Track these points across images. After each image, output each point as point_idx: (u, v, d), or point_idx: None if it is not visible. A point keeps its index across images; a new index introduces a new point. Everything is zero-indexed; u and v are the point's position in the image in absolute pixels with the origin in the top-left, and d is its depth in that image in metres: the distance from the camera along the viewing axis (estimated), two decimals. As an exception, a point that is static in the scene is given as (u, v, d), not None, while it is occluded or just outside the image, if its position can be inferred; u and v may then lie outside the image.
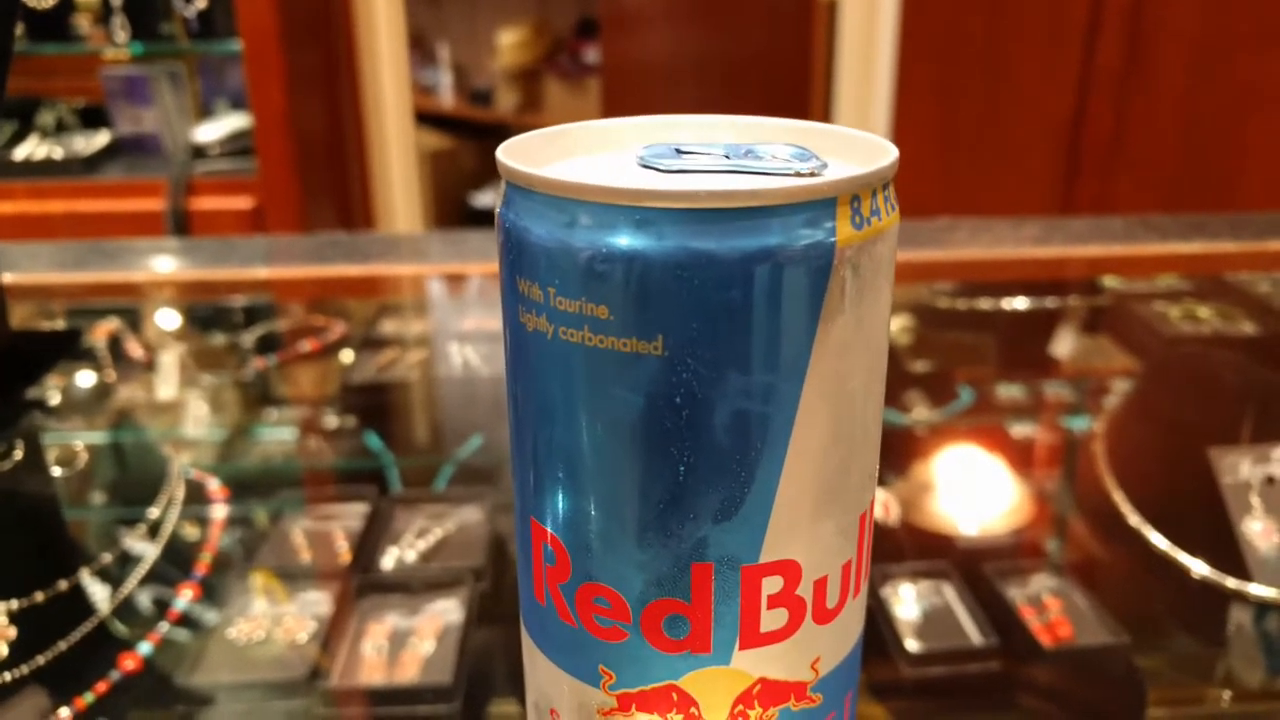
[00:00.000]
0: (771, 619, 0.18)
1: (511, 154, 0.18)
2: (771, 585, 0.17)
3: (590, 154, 0.20)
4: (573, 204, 0.16)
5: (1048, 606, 0.46)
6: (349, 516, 0.54)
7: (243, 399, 0.68)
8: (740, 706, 0.18)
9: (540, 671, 0.20)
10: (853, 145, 0.19)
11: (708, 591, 0.17)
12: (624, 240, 0.15)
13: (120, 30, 1.52)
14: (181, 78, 1.64)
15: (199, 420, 0.65)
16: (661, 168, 0.18)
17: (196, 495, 0.54)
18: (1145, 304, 0.74)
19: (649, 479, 0.17)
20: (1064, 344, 0.71)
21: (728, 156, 0.18)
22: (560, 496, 0.18)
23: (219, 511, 0.53)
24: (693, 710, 0.18)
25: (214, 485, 0.54)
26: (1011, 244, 0.72)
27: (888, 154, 0.18)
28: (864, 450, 0.18)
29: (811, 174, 0.18)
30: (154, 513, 0.51)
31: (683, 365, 0.16)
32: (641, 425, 0.16)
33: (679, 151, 0.19)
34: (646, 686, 0.18)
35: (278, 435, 0.66)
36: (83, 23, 1.56)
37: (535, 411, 0.18)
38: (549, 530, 0.18)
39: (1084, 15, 1.66)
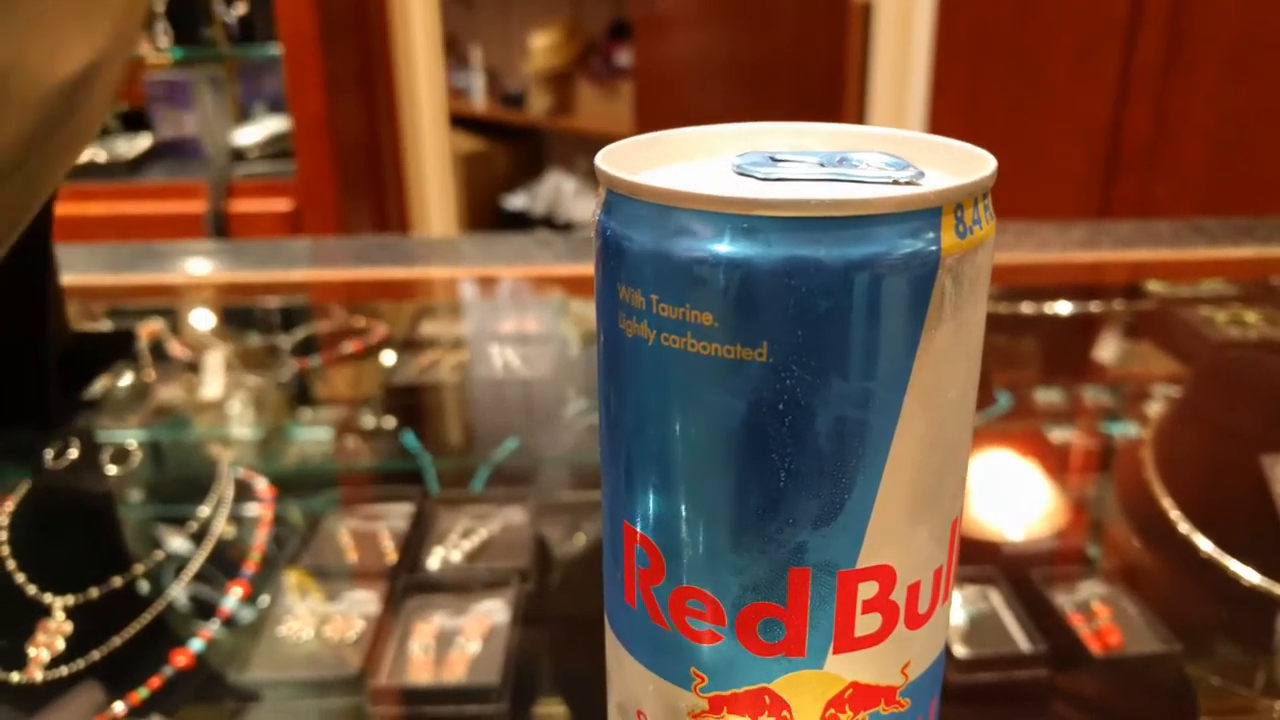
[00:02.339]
0: (866, 624, 0.18)
1: (610, 161, 0.18)
2: (867, 590, 0.17)
3: (686, 160, 0.20)
4: (679, 211, 0.16)
5: (1096, 613, 0.46)
6: (394, 517, 0.54)
7: (286, 399, 0.69)
8: (831, 710, 0.18)
9: (627, 673, 0.20)
10: (946, 154, 0.19)
11: (804, 596, 0.17)
12: (730, 248, 0.16)
13: (163, 35, 1.54)
14: (222, 82, 1.67)
15: (245, 420, 0.66)
16: (759, 175, 0.18)
17: (245, 494, 0.54)
18: (1191, 308, 0.73)
19: (749, 484, 0.17)
20: (1108, 348, 0.70)
21: (823, 164, 0.18)
22: (656, 500, 0.18)
23: (267, 510, 0.53)
24: (784, 713, 0.18)
25: (262, 485, 0.55)
26: (1058, 248, 0.71)
27: (985, 163, 0.18)
28: (959, 457, 0.18)
29: (910, 183, 0.18)
30: (204, 511, 0.52)
31: (787, 372, 0.16)
32: (743, 431, 0.16)
33: (774, 159, 0.19)
34: (739, 689, 0.18)
35: (322, 435, 0.67)
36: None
37: (632, 416, 0.18)
38: (643, 533, 0.18)
39: (1123, 16, 1.65)
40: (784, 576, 0.17)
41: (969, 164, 0.19)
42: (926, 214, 0.16)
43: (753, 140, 0.20)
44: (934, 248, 0.16)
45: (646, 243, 0.16)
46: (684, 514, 0.17)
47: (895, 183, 0.18)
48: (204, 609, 0.47)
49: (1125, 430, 0.63)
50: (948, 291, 0.16)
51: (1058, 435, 0.62)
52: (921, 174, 0.18)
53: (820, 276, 0.15)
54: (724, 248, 0.16)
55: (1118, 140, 1.71)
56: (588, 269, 0.80)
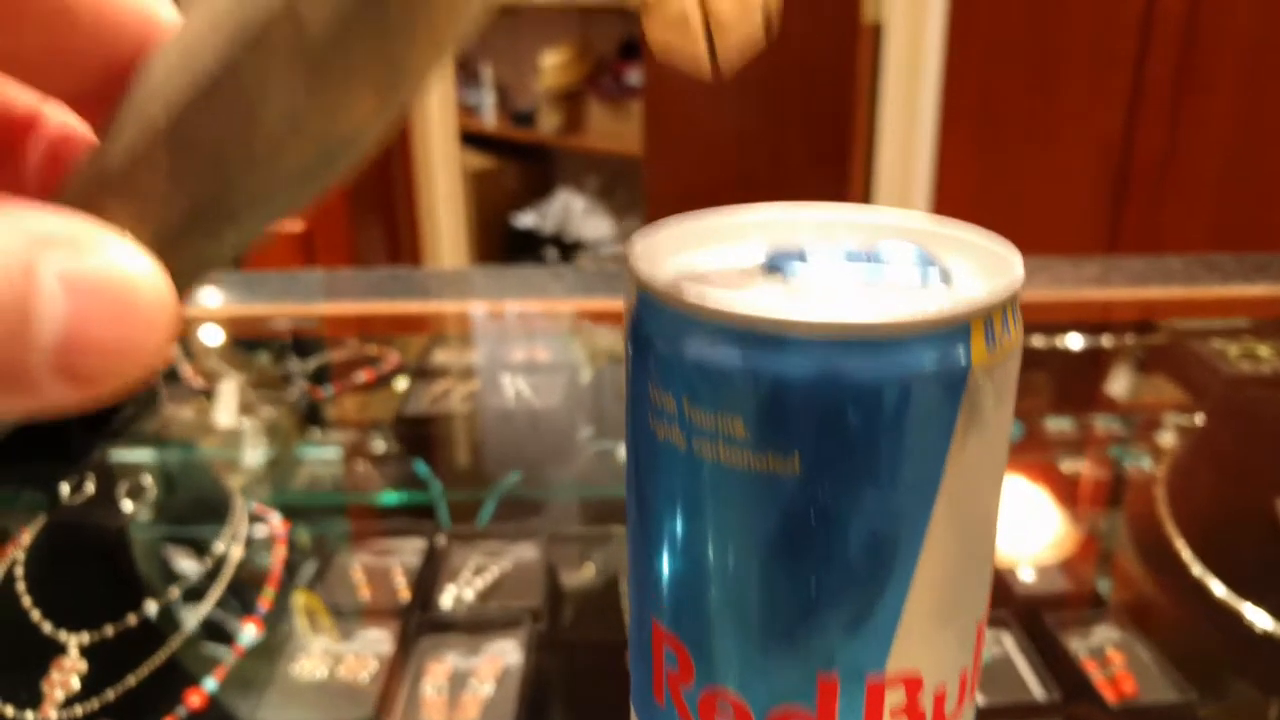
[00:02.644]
0: None
1: (641, 255, 0.19)
2: (894, 695, 0.17)
3: (716, 246, 0.20)
4: (713, 322, 0.16)
5: (1111, 660, 0.46)
6: (407, 552, 0.55)
7: (299, 427, 0.69)
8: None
9: None
10: (972, 248, 0.20)
11: (833, 700, 0.17)
12: (764, 361, 0.16)
13: None
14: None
15: (258, 449, 0.67)
16: (790, 276, 0.18)
17: (260, 529, 0.55)
18: (1203, 341, 0.73)
19: (779, 591, 0.17)
20: (1119, 382, 0.70)
21: (851, 260, 0.19)
22: (685, 602, 0.18)
23: (281, 546, 0.54)
24: None
25: (276, 520, 0.55)
26: (1072, 284, 0.72)
27: (1012, 266, 0.18)
28: (986, 560, 0.18)
29: (938, 285, 0.18)
30: (219, 547, 0.52)
31: (818, 483, 0.16)
32: (774, 539, 0.17)
33: (803, 256, 0.19)
34: None
35: (334, 466, 0.67)
36: None
37: (661, 517, 0.18)
38: (671, 633, 0.18)
39: (1134, 36, 1.65)
40: (812, 681, 0.17)
41: (995, 263, 0.19)
42: (957, 329, 0.16)
43: (781, 227, 0.20)
44: (964, 362, 0.16)
45: (680, 349, 0.17)
46: (713, 618, 0.18)
47: (924, 284, 0.18)
48: (218, 647, 0.47)
49: (1138, 465, 0.63)
50: (977, 402, 0.16)
51: (1069, 468, 0.62)
52: (949, 275, 0.18)
53: (852, 391, 0.16)
54: (757, 360, 0.16)
55: (1128, 159, 1.71)
56: (599, 303, 0.80)
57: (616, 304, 0.79)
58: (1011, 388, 0.17)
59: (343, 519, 0.62)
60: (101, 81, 0.16)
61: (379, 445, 0.68)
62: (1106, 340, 0.71)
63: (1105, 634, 0.47)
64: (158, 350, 0.14)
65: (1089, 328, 0.72)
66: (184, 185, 0.15)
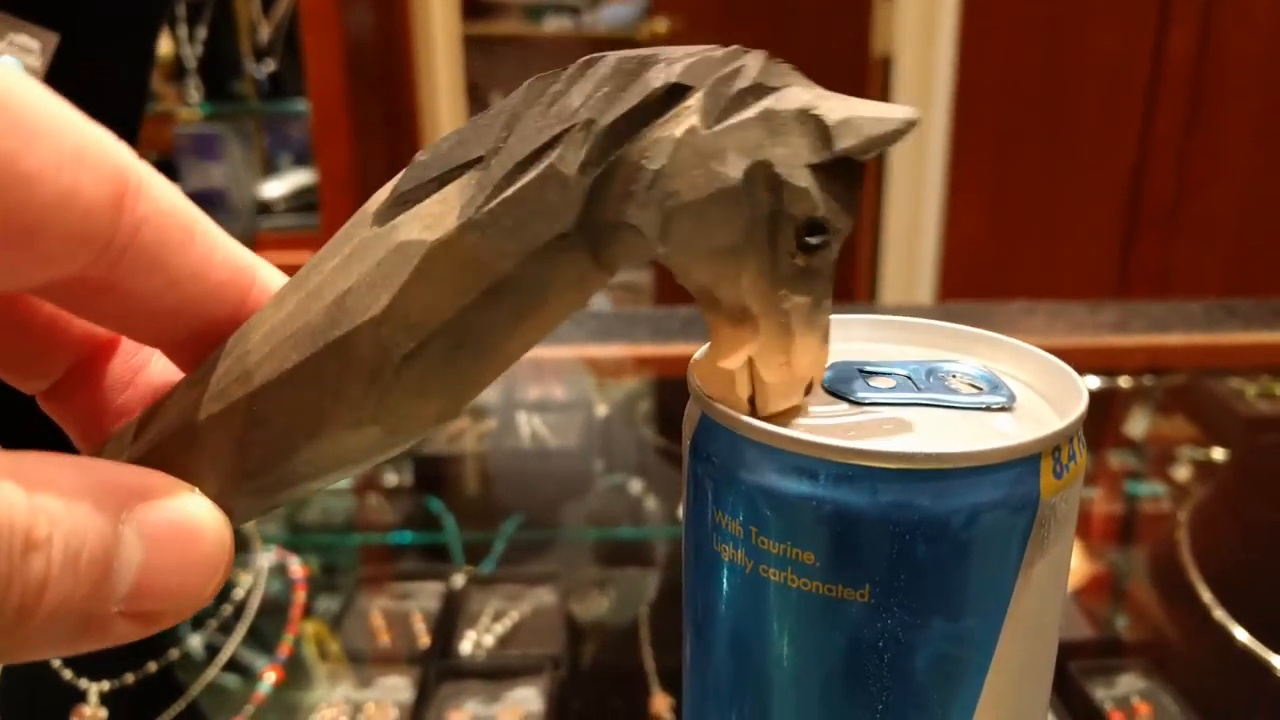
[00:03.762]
0: None
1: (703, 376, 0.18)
2: None
3: None
4: (782, 453, 0.16)
5: (1137, 711, 0.45)
6: (425, 596, 0.54)
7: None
8: None
9: None
10: (1033, 364, 0.20)
11: None
12: (836, 493, 0.16)
13: (194, 91, 1.57)
14: (249, 134, 1.69)
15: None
16: (853, 398, 0.18)
17: (279, 574, 0.54)
18: (1221, 380, 0.73)
19: (844, 713, 0.17)
20: (1139, 423, 0.70)
21: (911, 379, 0.19)
22: None
23: (300, 591, 0.53)
24: None
25: (295, 564, 0.55)
26: (1091, 330, 0.72)
27: (1076, 389, 0.18)
28: (1048, 672, 0.18)
29: (1004, 408, 0.18)
30: (238, 593, 0.52)
31: (888, 612, 0.16)
32: (841, 665, 0.16)
33: (864, 373, 0.19)
34: None
35: (346, 498, 0.67)
36: (155, 80, 1.61)
37: (725, 637, 0.18)
38: None
39: (1144, 75, 1.65)
40: None
41: (1057, 381, 0.19)
42: (1027, 460, 0.16)
43: (839, 344, 0.20)
44: (1034, 492, 0.16)
45: (747, 477, 0.17)
46: None
47: (989, 408, 0.18)
48: (238, 694, 0.47)
49: (1159, 508, 0.62)
50: (1046, 529, 0.17)
51: (1090, 511, 0.61)
52: (1013, 397, 0.18)
53: (925, 524, 0.16)
54: (829, 493, 0.16)
55: (1139, 198, 1.72)
56: (618, 349, 0.80)
57: (634, 349, 0.79)
58: (1076, 507, 0.18)
59: (360, 561, 0.62)
60: (199, 332, 0.17)
61: (391, 479, 0.68)
62: (1124, 381, 0.71)
63: (1131, 683, 0.47)
64: (213, 591, 0.15)
65: (1107, 372, 0.71)
66: (251, 452, 0.16)
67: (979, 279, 1.76)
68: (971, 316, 0.20)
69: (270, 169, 1.75)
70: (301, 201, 1.66)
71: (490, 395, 0.80)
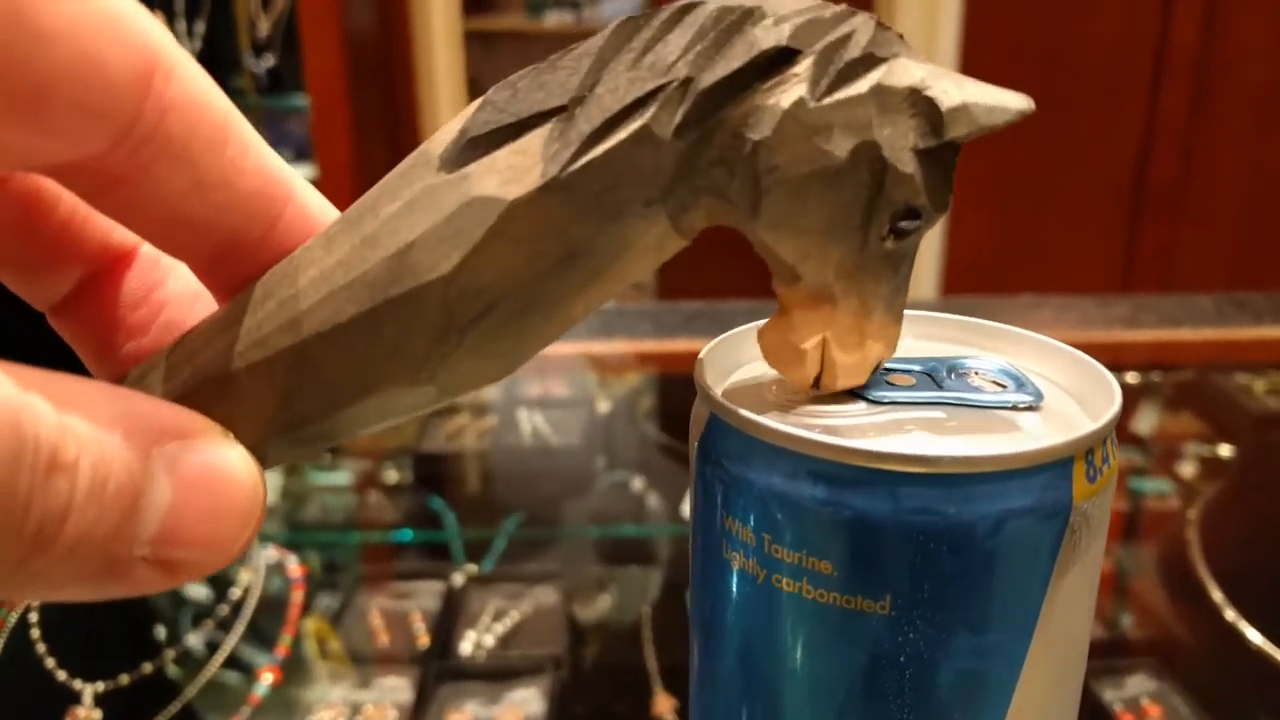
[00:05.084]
0: None
1: (711, 370, 0.17)
2: None
3: None
4: (797, 456, 0.15)
5: (1147, 712, 0.45)
6: (425, 595, 0.54)
7: (314, 464, 0.69)
8: None
9: None
10: (1059, 360, 0.19)
11: None
12: (856, 499, 0.15)
13: (192, 85, 1.56)
14: (250, 130, 1.68)
15: (273, 489, 0.66)
16: (872, 398, 0.17)
17: (276, 574, 0.54)
18: (1228, 375, 0.72)
19: None
20: (1146, 419, 0.69)
21: (932, 376, 0.18)
22: None
23: (298, 591, 0.53)
24: None
25: (293, 563, 0.55)
26: (1099, 325, 0.71)
27: (1109, 387, 0.17)
28: (1078, 687, 0.17)
29: (1030, 408, 0.17)
30: (235, 592, 0.52)
31: (910, 625, 0.15)
32: (859, 681, 0.16)
33: (882, 370, 0.18)
34: None
35: (345, 494, 0.66)
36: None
37: (731, 648, 0.17)
38: None
39: (1149, 60, 1.64)
40: None
41: (1085, 378, 0.18)
42: (1059, 464, 0.15)
43: None
44: (1066, 497, 0.15)
45: (759, 481, 0.16)
46: None
47: (1015, 408, 0.17)
48: (235, 696, 0.46)
49: (1167, 506, 0.62)
50: (1078, 537, 0.16)
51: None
52: (1040, 395, 0.17)
53: (949, 532, 0.15)
54: (847, 498, 0.15)
55: (1143, 188, 1.71)
56: (620, 344, 0.79)
57: (636, 345, 0.78)
58: (1108, 512, 0.16)
59: (358, 559, 0.62)
60: (225, 249, 0.16)
61: (391, 476, 0.68)
62: (1131, 377, 0.70)
63: (1141, 684, 0.46)
64: (242, 547, 0.14)
65: (1114, 367, 0.70)
66: (293, 404, 0.15)
67: (984, 269, 1.75)
68: (977, 312, 0.19)
69: (270, 164, 1.74)
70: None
71: (491, 392, 0.79)
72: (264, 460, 0.15)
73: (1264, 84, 1.63)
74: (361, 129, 1.62)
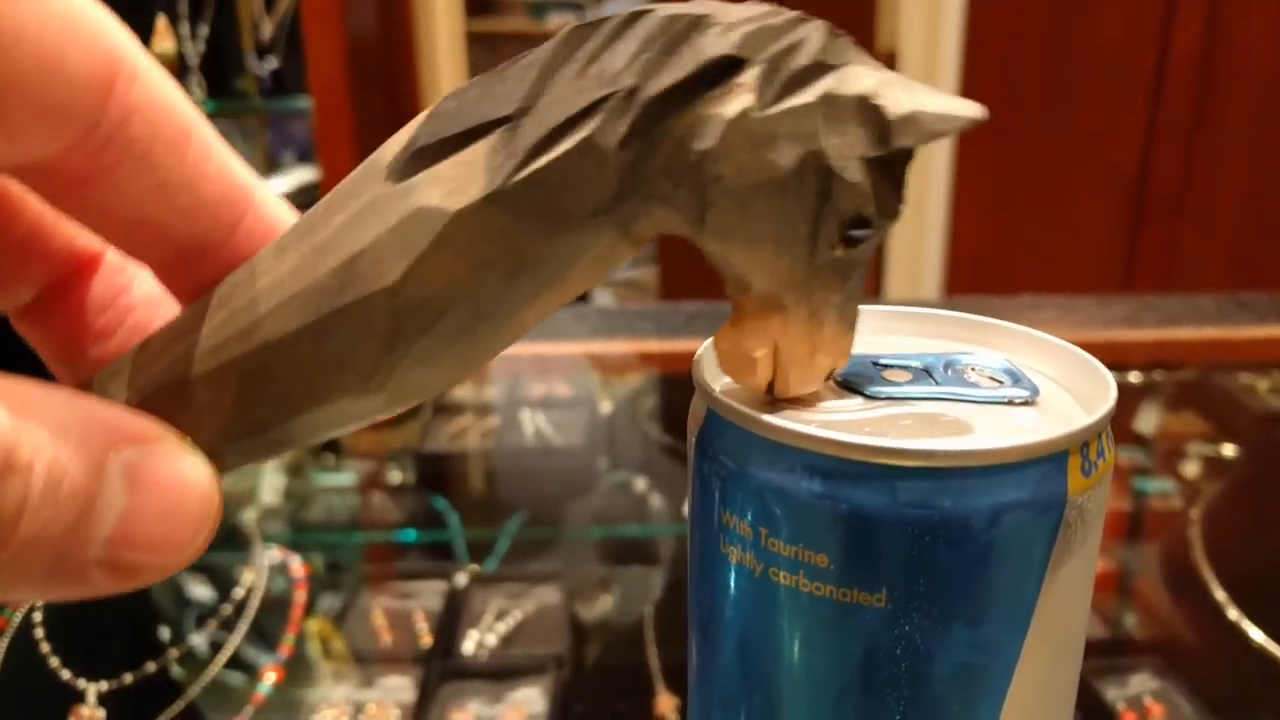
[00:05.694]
0: None
1: (709, 367, 0.17)
2: None
3: None
4: (795, 451, 0.15)
5: (1150, 711, 0.45)
6: (427, 594, 0.54)
7: (318, 465, 0.69)
8: None
9: None
10: (1056, 356, 0.19)
11: None
12: (853, 494, 0.15)
13: (196, 88, 1.56)
14: (252, 132, 1.69)
15: (276, 490, 0.66)
16: (868, 392, 0.17)
17: (280, 574, 0.54)
18: (1231, 375, 0.72)
19: None
20: (1148, 419, 0.69)
21: (929, 372, 0.18)
22: None
23: (301, 591, 0.53)
24: None
25: (296, 563, 0.55)
26: (1100, 325, 0.71)
27: (1104, 382, 0.17)
28: (1074, 681, 0.18)
29: (1026, 403, 0.17)
30: (239, 592, 0.52)
31: (906, 618, 0.15)
32: (856, 674, 0.16)
33: (878, 366, 0.18)
34: None
35: (350, 495, 0.66)
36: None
37: (729, 642, 0.17)
38: None
39: (1151, 64, 1.64)
40: None
41: (1081, 374, 0.18)
42: (1055, 457, 0.15)
43: None
44: (1061, 490, 0.15)
45: (757, 476, 0.16)
46: None
47: (1011, 403, 0.17)
48: (238, 695, 0.46)
49: (1169, 505, 0.62)
50: (1073, 530, 0.16)
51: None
52: (1036, 391, 0.18)
53: (946, 526, 0.15)
54: (844, 492, 0.15)
55: (1144, 192, 1.71)
56: (623, 345, 0.79)
57: (639, 345, 0.78)
58: (1104, 506, 0.17)
59: (361, 559, 0.62)
60: (188, 253, 0.16)
61: (395, 476, 0.68)
62: (1134, 377, 0.70)
63: (1144, 683, 0.46)
64: (196, 551, 0.15)
65: (1116, 366, 0.70)
66: (248, 411, 0.16)
67: (985, 270, 1.75)
68: (979, 311, 0.19)
69: (273, 166, 1.75)
70: (305, 199, 1.66)
71: (494, 392, 0.79)
72: (221, 465, 0.15)
73: (1266, 85, 1.62)
74: (364, 131, 1.62)
